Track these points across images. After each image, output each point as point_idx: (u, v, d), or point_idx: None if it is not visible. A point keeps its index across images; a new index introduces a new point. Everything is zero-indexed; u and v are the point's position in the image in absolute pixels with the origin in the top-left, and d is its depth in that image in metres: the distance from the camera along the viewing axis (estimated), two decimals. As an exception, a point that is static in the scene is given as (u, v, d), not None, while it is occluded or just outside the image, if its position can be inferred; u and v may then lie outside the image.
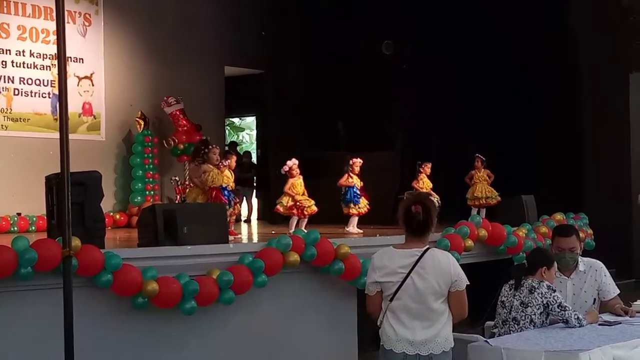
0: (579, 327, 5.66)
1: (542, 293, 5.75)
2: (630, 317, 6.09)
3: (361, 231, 11.12)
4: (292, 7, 15.09)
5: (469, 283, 4.99)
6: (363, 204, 11.32)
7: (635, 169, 14.38)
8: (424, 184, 12.47)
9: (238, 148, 21.30)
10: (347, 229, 11.21)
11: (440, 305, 4.90)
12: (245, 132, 31.85)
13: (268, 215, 15.25)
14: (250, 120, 28.17)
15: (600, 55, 13.63)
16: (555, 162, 13.91)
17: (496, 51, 14.20)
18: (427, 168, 12.54)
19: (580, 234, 11.58)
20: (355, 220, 11.30)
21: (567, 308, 5.73)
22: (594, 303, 6.25)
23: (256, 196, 17.13)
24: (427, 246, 4.95)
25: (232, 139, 29.41)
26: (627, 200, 14.21)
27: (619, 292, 6.38)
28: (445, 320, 4.92)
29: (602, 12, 13.38)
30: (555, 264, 6.06)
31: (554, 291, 5.79)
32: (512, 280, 6.00)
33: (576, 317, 5.71)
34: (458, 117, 14.50)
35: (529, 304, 5.76)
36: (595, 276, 6.27)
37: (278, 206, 10.81)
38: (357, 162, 11.34)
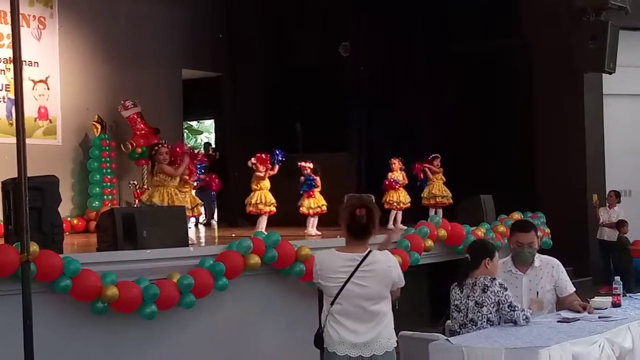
0: (526, 325, 5.71)
1: (494, 291, 5.76)
2: (588, 313, 6.16)
3: (320, 233, 11.15)
4: (249, 10, 15.08)
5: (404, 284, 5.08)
6: (318, 204, 11.36)
7: (591, 169, 14.56)
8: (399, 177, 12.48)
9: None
10: (307, 231, 11.25)
11: (382, 307, 4.95)
12: (204, 134, 31.72)
13: (228, 218, 15.21)
14: (209, 124, 28.07)
15: (554, 56, 13.78)
16: (513, 162, 14.06)
17: (452, 54, 14.32)
18: (396, 164, 12.51)
19: (538, 233, 11.82)
20: (315, 221, 11.34)
21: (516, 308, 5.75)
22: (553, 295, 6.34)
23: (216, 198, 17.05)
24: (369, 249, 4.97)
25: (190, 143, 29.33)
26: (583, 199, 14.40)
27: (574, 289, 6.47)
28: (387, 321, 4.97)
29: (556, 12, 13.53)
30: (497, 254, 6.09)
31: (506, 290, 5.81)
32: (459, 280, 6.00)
33: (524, 317, 5.75)
34: (415, 118, 14.59)
35: (484, 304, 5.77)
36: (552, 272, 6.35)
37: (252, 207, 10.83)
38: (307, 166, 11.40)
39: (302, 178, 11.41)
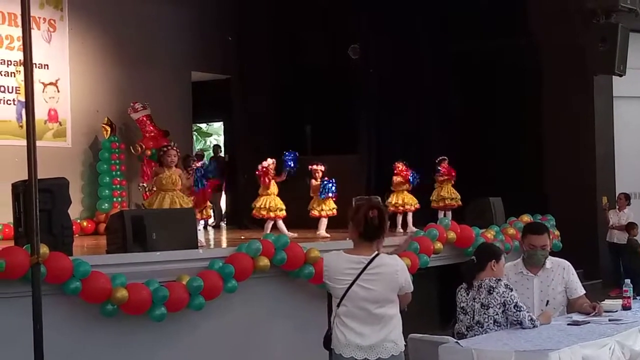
0: (533, 327, 5.69)
1: (500, 292, 5.77)
2: (598, 312, 6.16)
3: (328, 235, 11.15)
4: (259, 12, 15.08)
5: (412, 290, 5.05)
6: (330, 207, 11.39)
7: (601, 171, 14.51)
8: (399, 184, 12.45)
9: (206, 153, 21.30)
10: (319, 232, 11.26)
11: (388, 310, 4.93)
12: (213, 137, 31.75)
13: (237, 220, 15.22)
14: (218, 126, 28.10)
15: (563, 57, 13.75)
16: (522, 164, 14.03)
17: (459, 54, 14.30)
18: (400, 168, 12.48)
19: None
20: (324, 223, 11.34)
21: (522, 308, 5.75)
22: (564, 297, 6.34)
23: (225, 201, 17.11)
24: (376, 252, 4.96)
25: (199, 145, 29.37)
26: (593, 202, 14.34)
27: (584, 292, 6.46)
28: (393, 325, 4.94)
29: (565, 12, 13.50)
30: (503, 257, 6.09)
31: (512, 290, 5.82)
32: (464, 284, 6.00)
33: (530, 318, 5.74)
34: (424, 121, 14.58)
35: (490, 305, 5.77)
36: (562, 274, 6.35)
37: (254, 211, 10.85)
38: (318, 169, 11.40)
39: (315, 181, 11.38)
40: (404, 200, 12.40)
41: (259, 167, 10.99)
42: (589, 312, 6.19)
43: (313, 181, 11.43)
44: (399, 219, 12.37)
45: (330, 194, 11.32)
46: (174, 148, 9.79)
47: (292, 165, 11.11)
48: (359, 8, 14.52)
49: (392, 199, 12.37)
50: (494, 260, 5.93)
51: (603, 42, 11.70)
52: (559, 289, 6.31)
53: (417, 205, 12.53)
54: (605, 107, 14.69)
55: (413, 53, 14.46)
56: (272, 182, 10.92)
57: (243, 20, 15.30)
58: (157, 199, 9.50)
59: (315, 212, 11.37)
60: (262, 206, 10.83)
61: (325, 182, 11.33)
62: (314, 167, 11.45)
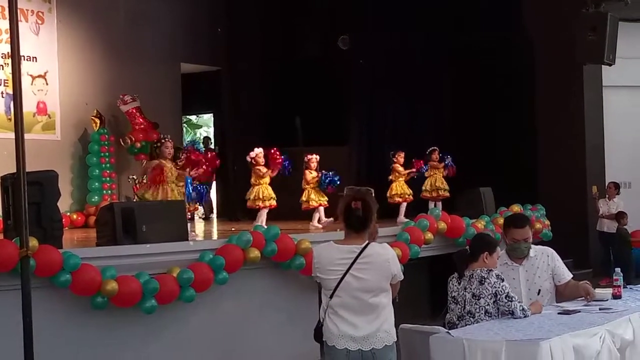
0: (524, 317, 5.70)
1: (491, 283, 5.77)
2: (589, 298, 6.20)
3: (320, 226, 11.13)
4: (248, 3, 15.04)
5: (402, 278, 5.07)
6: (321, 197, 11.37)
7: (591, 160, 14.53)
8: (398, 175, 12.42)
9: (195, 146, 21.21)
10: (312, 224, 11.24)
11: (381, 299, 4.94)
12: (203, 129, 31.68)
13: (227, 212, 15.20)
14: (207, 118, 28.03)
15: (554, 48, 13.75)
16: (513, 154, 14.04)
17: (452, 46, 14.29)
18: (400, 157, 12.45)
19: (538, 225, 11.81)
20: (318, 213, 11.33)
21: (513, 299, 5.76)
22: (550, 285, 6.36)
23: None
24: (367, 242, 4.97)
25: (189, 137, 29.26)
26: (583, 191, 14.37)
27: (572, 276, 6.49)
28: (386, 315, 4.96)
29: (556, 4, 13.50)
30: (498, 249, 6.09)
31: (503, 280, 5.83)
32: (456, 273, 6.01)
33: (521, 308, 5.75)
34: (415, 112, 14.57)
35: (481, 295, 5.78)
36: (547, 261, 6.38)
37: (250, 202, 10.83)
38: (313, 158, 11.37)
39: (309, 172, 11.33)
40: (404, 190, 12.37)
41: (248, 157, 10.95)
42: (582, 295, 6.24)
43: (307, 172, 11.38)
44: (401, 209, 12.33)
45: (330, 185, 11.26)
46: (169, 140, 9.82)
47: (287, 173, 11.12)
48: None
49: (395, 189, 12.30)
50: (487, 252, 5.93)
51: (592, 31, 11.69)
52: (545, 276, 6.33)
53: (405, 198, 12.46)
54: (595, 96, 14.71)
55: (404, 45, 14.43)
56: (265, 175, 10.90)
57: (233, 12, 15.24)
58: (151, 190, 9.51)
59: (310, 204, 11.32)
60: (256, 197, 10.80)
61: (330, 175, 11.29)
62: (309, 156, 11.40)
